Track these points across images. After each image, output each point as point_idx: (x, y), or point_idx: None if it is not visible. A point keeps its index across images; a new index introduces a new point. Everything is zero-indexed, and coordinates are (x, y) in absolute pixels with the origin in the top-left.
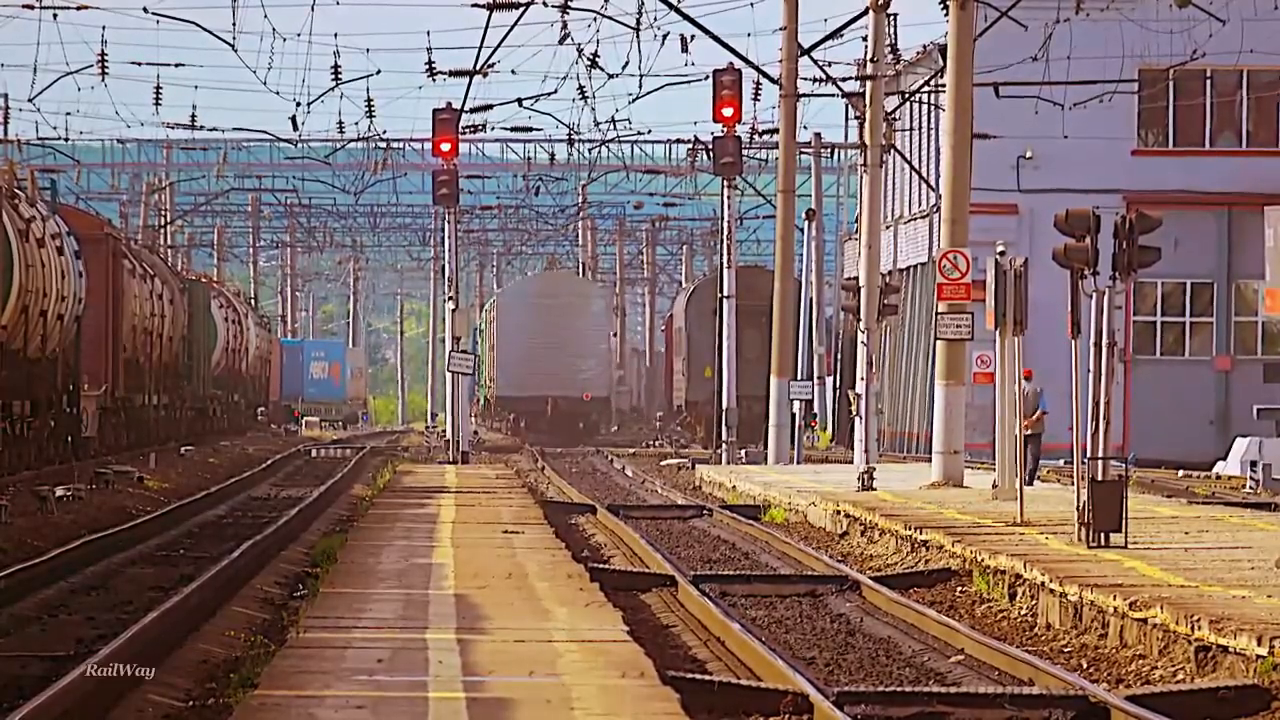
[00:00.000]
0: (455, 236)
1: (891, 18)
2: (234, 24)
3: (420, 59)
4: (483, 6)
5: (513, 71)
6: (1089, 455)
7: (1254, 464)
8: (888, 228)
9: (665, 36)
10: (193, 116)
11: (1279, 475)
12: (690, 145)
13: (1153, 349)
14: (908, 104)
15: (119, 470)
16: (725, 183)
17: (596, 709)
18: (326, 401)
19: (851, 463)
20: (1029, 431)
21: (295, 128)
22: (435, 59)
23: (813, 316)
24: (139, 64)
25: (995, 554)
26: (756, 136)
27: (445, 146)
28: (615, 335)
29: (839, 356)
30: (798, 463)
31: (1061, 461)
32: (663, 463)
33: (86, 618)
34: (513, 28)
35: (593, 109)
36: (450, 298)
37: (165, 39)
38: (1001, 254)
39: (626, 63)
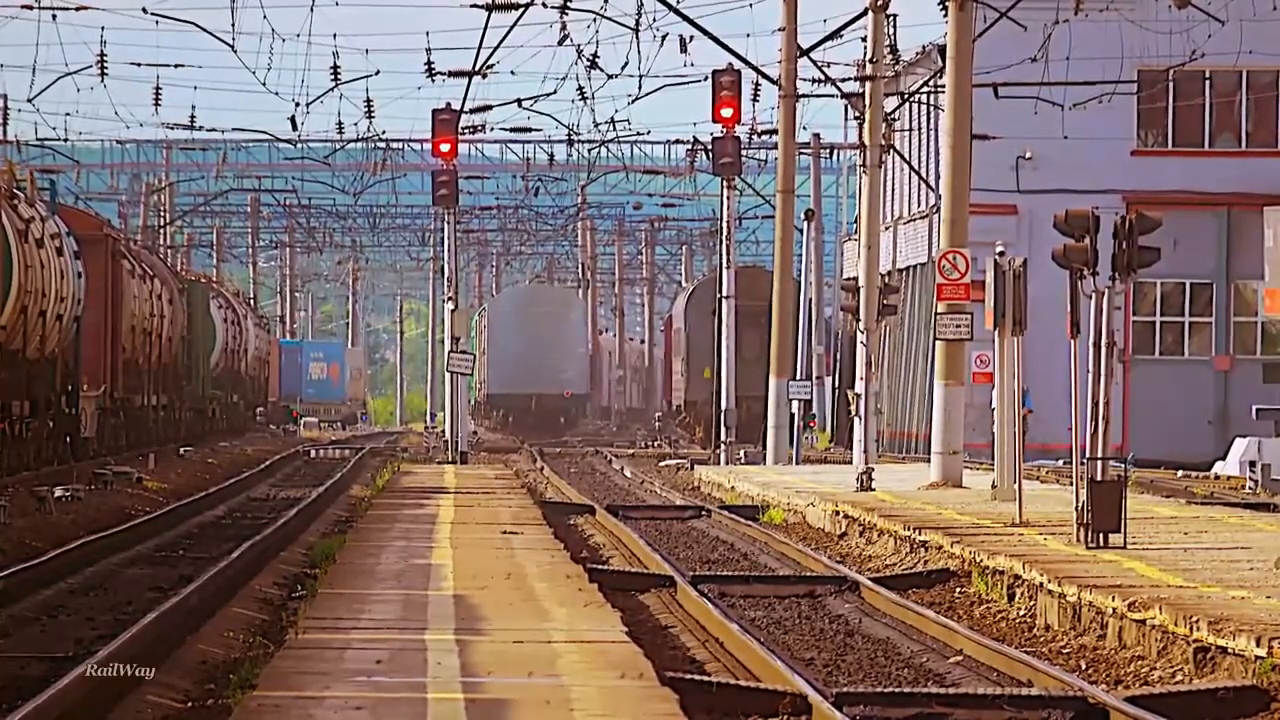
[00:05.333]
0: (455, 237)
1: (891, 18)
2: (233, 24)
3: (419, 59)
4: (482, 7)
5: (512, 72)
6: (1088, 455)
7: (1253, 464)
8: (887, 228)
9: (664, 37)
10: (192, 117)
11: (1278, 475)
12: (689, 146)
13: (1152, 349)
14: (907, 104)
15: (118, 471)
16: (724, 183)
17: (595, 710)
18: (325, 402)
19: (850, 463)
20: None
21: (294, 128)
22: (434, 59)
23: (812, 317)
24: (138, 64)
25: (994, 554)
26: (756, 137)
27: (445, 147)
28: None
29: (838, 356)
30: (796, 463)
31: (1060, 462)
32: (661, 463)
33: (86, 618)
34: (512, 28)
35: (592, 110)
36: (450, 298)
37: (165, 39)
38: (1001, 254)
39: (626, 63)
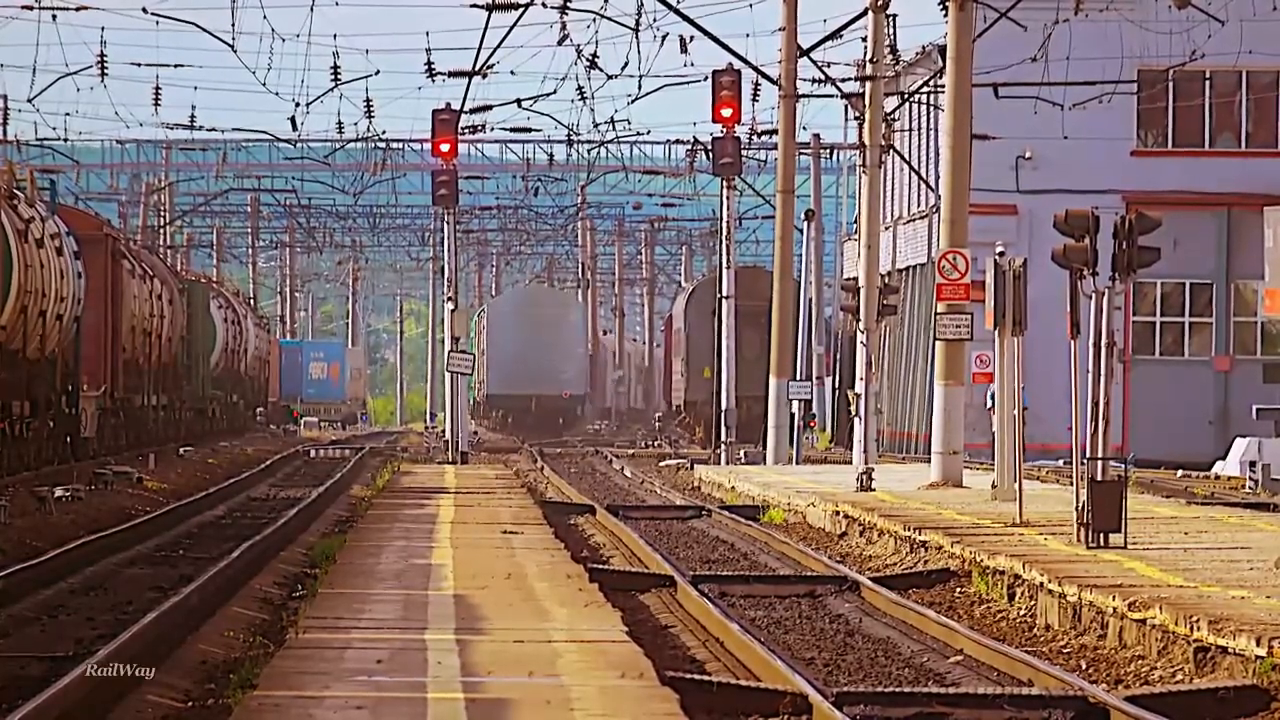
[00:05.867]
0: (454, 237)
1: (891, 18)
2: (233, 25)
3: (419, 60)
4: (482, 7)
5: (512, 72)
6: (1088, 455)
7: (1253, 464)
8: (887, 228)
9: (664, 37)
10: (192, 117)
11: (1278, 475)
12: (689, 146)
13: (1152, 349)
14: (907, 104)
15: (118, 471)
16: (724, 183)
17: (596, 709)
18: (325, 402)
19: (850, 463)
20: None
21: (294, 128)
22: (434, 60)
23: (812, 316)
24: (138, 64)
25: (994, 554)
26: (756, 137)
27: (444, 147)
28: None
29: (838, 357)
30: (797, 463)
31: (1061, 462)
32: (662, 463)
33: (86, 618)
34: (512, 28)
35: (592, 110)
36: (450, 298)
37: (165, 39)
38: (1001, 254)
39: (625, 63)
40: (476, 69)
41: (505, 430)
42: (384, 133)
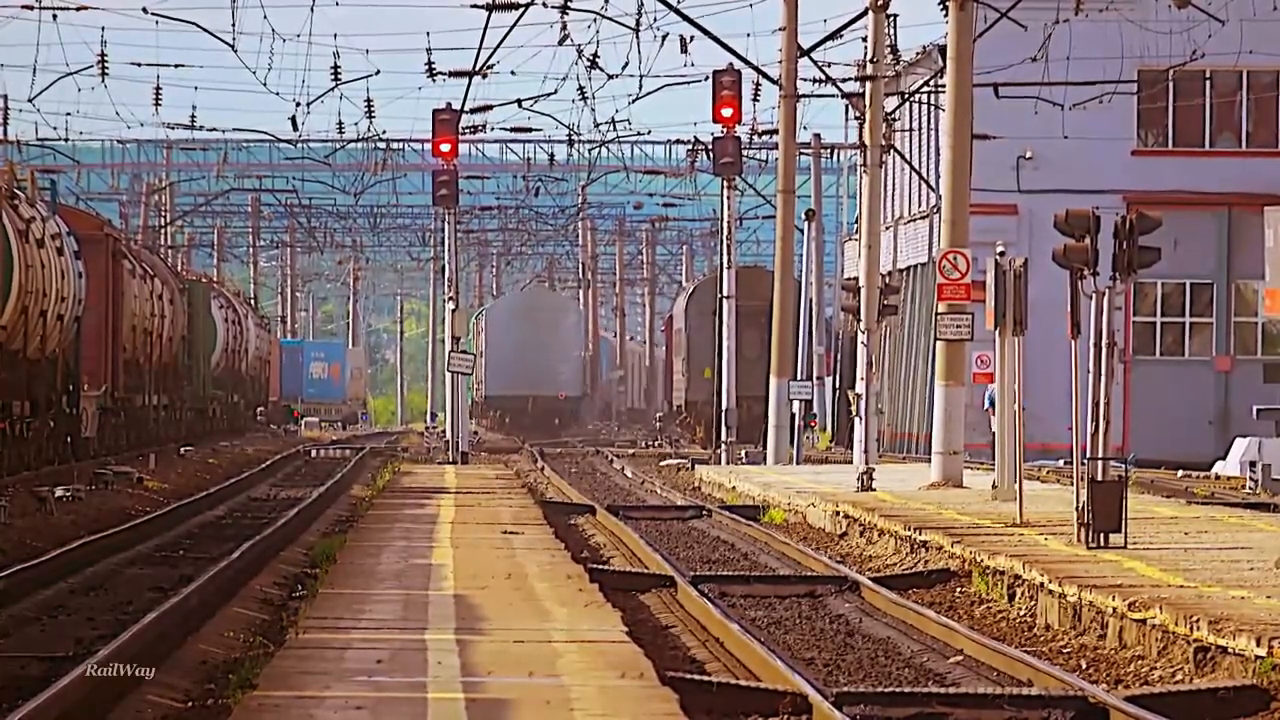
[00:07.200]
0: (455, 237)
1: (891, 18)
2: (234, 25)
3: (420, 59)
4: (482, 7)
5: (512, 72)
6: (1089, 455)
7: (1253, 464)
8: (887, 228)
9: (665, 37)
10: (192, 117)
11: (1278, 475)
12: (690, 146)
13: (1152, 349)
14: (907, 104)
15: (118, 471)
16: (725, 183)
17: (596, 709)
18: (326, 402)
19: (851, 463)
20: None
21: (295, 128)
22: (435, 59)
23: (812, 317)
24: (139, 64)
25: (994, 554)
26: (756, 137)
27: (445, 147)
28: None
29: (839, 357)
30: (797, 463)
31: (1061, 462)
32: (662, 463)
33: (86, 618)
34: (512, 28)
35: (592, 110)
36: (450, 298)
37: (165, 39)
38: (1001, 254)
39: (626, 63)
40: (477, 69)
41: (503, 430)
42: (384, 133)
